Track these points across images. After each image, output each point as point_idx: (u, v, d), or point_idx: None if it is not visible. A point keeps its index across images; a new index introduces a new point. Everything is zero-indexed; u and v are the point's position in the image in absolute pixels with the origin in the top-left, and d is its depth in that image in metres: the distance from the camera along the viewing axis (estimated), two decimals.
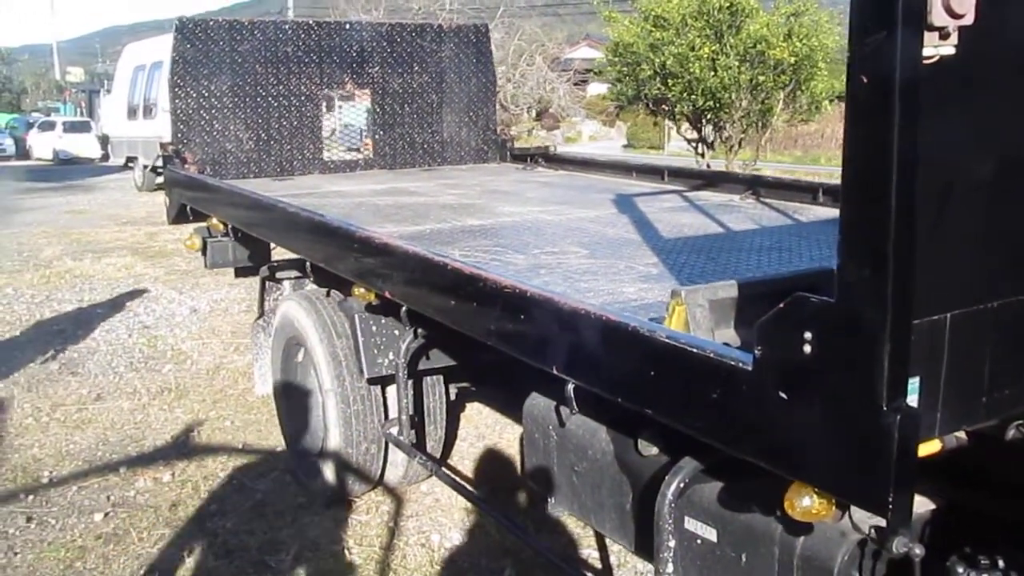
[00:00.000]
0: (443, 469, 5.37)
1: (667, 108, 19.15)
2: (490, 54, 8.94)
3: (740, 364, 2.42)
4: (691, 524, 3.07)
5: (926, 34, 2.01)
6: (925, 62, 2.02)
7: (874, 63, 1.97)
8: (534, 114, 30.28)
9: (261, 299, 7.19)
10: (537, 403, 4.01)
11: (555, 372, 3.16)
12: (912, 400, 2.21)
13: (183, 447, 7.01)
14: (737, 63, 17.44)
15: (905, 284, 2.03)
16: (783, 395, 2.30)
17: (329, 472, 5.74)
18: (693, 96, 17.93)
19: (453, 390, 6.39)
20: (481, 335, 3.61)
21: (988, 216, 2.36)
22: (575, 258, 4.52)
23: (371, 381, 5.33)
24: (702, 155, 19.71)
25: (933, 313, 2.27)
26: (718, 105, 18.10)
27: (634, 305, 3.55)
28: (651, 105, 19.17)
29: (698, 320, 2.98)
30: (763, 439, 2.41)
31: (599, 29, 22.82)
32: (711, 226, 5.50)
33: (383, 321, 5.06)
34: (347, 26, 8.32)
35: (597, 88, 30.12)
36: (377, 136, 8.60)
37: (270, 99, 8.05)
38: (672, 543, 3.07)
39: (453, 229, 5.42)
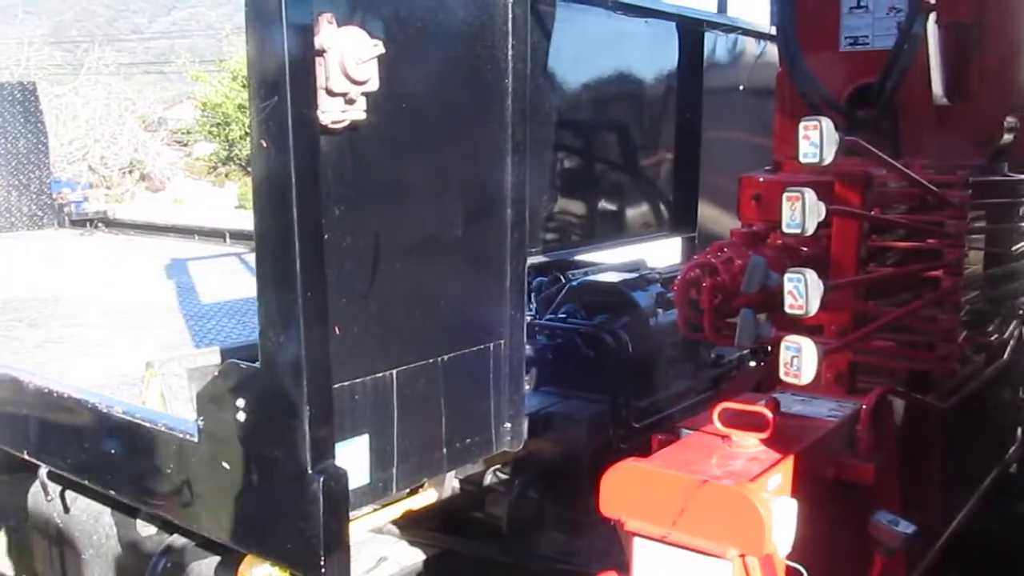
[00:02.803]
0: None
1: None
2: (39, 113, 8.34)
3: (188, 436, 2.34)
4: None
5: (328, 99, 2.06)
6: (332, 126, 2.07)
7: (270, 128, 1.98)
8: (137, 176, 28.87)
9: None
10: (39, 491, 3.69)
11: (26, 457, 2.92)
12: (357, 460, 2.23)
13: None
14: None
15: (321, 347, 2.05)
16: (226, 465, 2.25)
17: None
18: None
19: None
20: None
21: (426, 274, 2.43)
22: (97, 330, 4.25)
23: None
24: None
25: (375, 371, 2.30)
26: None
27: (136, 378, 3.36)
28: (245, 165, 18.92)
29: (175, 391, 2.87)
30: (214, 512, 2.34)
31: (202, 88, 22.26)
32: None
33: None
34: None
35: (205, 148, 29.36)
36: None
37: None
38: None
39: None
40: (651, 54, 3.89)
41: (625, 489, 1.91)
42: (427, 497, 2.94)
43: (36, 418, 2.86)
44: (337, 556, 2.13)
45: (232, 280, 5.68)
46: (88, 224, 8.38)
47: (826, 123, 2.09)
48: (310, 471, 2.06)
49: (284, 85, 1.95)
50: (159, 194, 30.88)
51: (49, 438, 2.85)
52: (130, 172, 27.69)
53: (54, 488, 3.45)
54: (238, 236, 7.30)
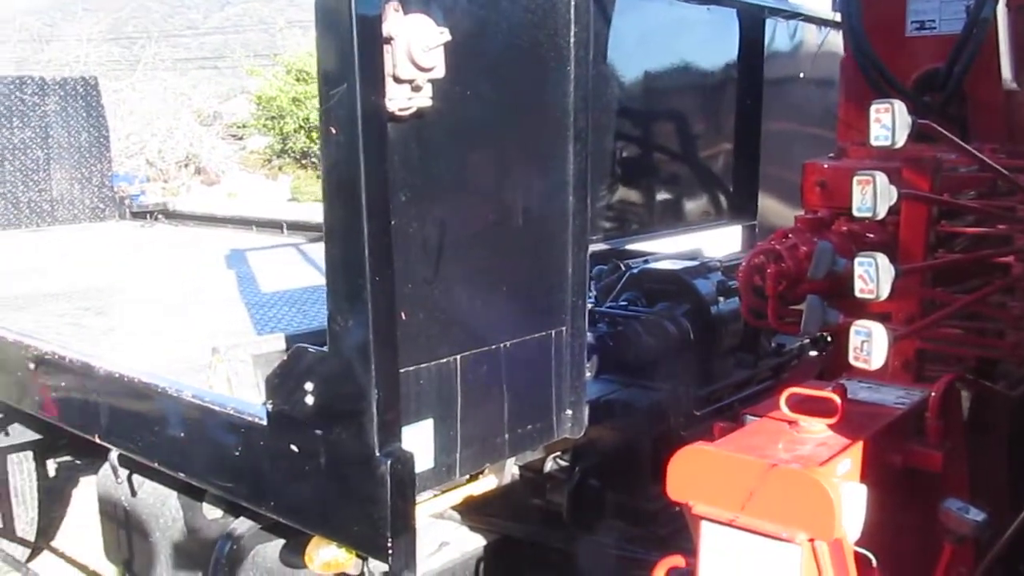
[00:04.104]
0: (37, 554, 4.94)
1: (315, 161, 19.16)
2: (101, 108, 8.49)
3: (256, 419, 2.38)
4: None
5: (396, 86, 2.07)
6: (399, 113, 2.09)
7: (339, 115, 2.01)
8: (192, 170, 29.28)
9: None
10: (109, 473, 3.77)
11: (97, 440, 2.99)
12: (422, 444, 2.25)
13: None
14: None
15: (389, 332, 2.07)
16: (295, 448, 2.28)
17: None
18: None
19: (52, 465, 5.94)
20: (29, 406, 3.37)
21: (490, 261, 2.45)
22: (160, 318, 4.35)
23: None
24: None
25: (440, 357, 2.31)
26: None
27: (201, 363, 3.42)
28: (299, 158, 19.12)
29: (241, 376, 2.92)
30: (282, 494, 2.38)
31: (255, 82, 22.52)
32: (317, 278, 5.47)
33: None
34: None
35: (259, 142, 29.72)
36: None
37: None
38: None
39: (36, 294, 5.04)
40: (711, 41, 3.87)
41: (693, 473, 1.91)
42: (487, 483, 2.96)
43: (107, 402, 2.93)
44: (404, 538, 2.15)
45: (290, 269, 5.76)
46: (148, 216, 8.53)
47: (898, 106, 2.07)
48: (378, 454, 2.09)
49: (353, 73, 1.97)
50: (214, 187, 31.33)
51: (119, 422, 2.91)
52: (186, 166, 28.11)
53: (123, 472, 3.54)
54: (295, 227, 7.40)
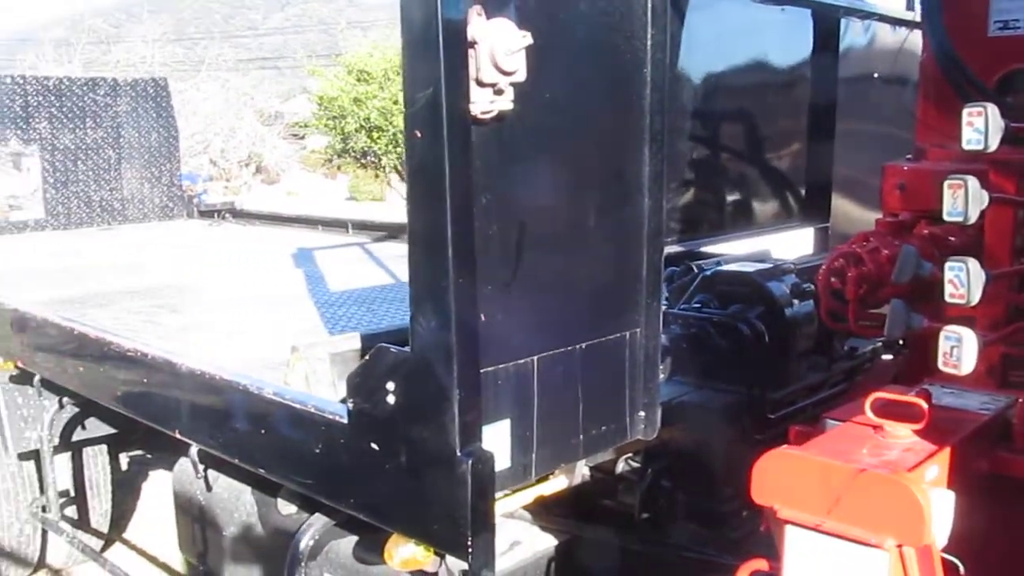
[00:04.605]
0: (110, 545, 5.05)
1: (376, 161, 19.33)
2: (170, 108, 8.66)
3: (337, 418, 2.42)
4: None
5: (479, 90, 2.10)
6: (481, 117, 2.11)
7: (424, 119, 2.03)
8: (253, 168, 29.69)
9: None
10: (186, 468, 3.85)
11: (177, 436, 3.05)
12: (500, 444, 2.27)
13: None
14: None
15: (471, 333, 2.09)
16: (375, 446, 2.31)
17: None
18: (400, 149, 18.18)
19: (125, 459, 6.08)
20: (111, 401, 3.45)
21: (567, 262, 2.46)
22: (233, 315, 4.42)
23: (21, 457, 4.94)
24: None
25: (517, 357, 2.33)
26: None
27: (276, 361, 3.48)
28: (360, 158, 19.30)
29: (319, 374, 2.96)
30: (361, 491, 2.41)
31: (316, 82, 22.77)
32: (383, 277, 5.54)
33: (30, 392, 4.72)
34: (7, 80, 7.79)
35: (318, 141, 30.05)
36: (49, 195, 8.10)
37: None
38: None
39: (113, 291, 5.15)
40: (785, 42, 3.84)
41: (778, 477, 1.91)
42: (558, 483, 2.97)
43: (188, 399, 2.99)
44: (483, 537, 2.17)
45: (356, 268, 5.83)
46: (216, 215, 8.67)
47: (991, 109, 2.04)
48: (459, 453, 2.11)
49: (439, 77, 1.99)
50: (274, 186, 31.78)
51: (200, 418, 2.97)
52: (247, 165, 28.52)
53: (200, 467, 3.61)
54: (359, 226, 7.48)
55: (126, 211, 8.47)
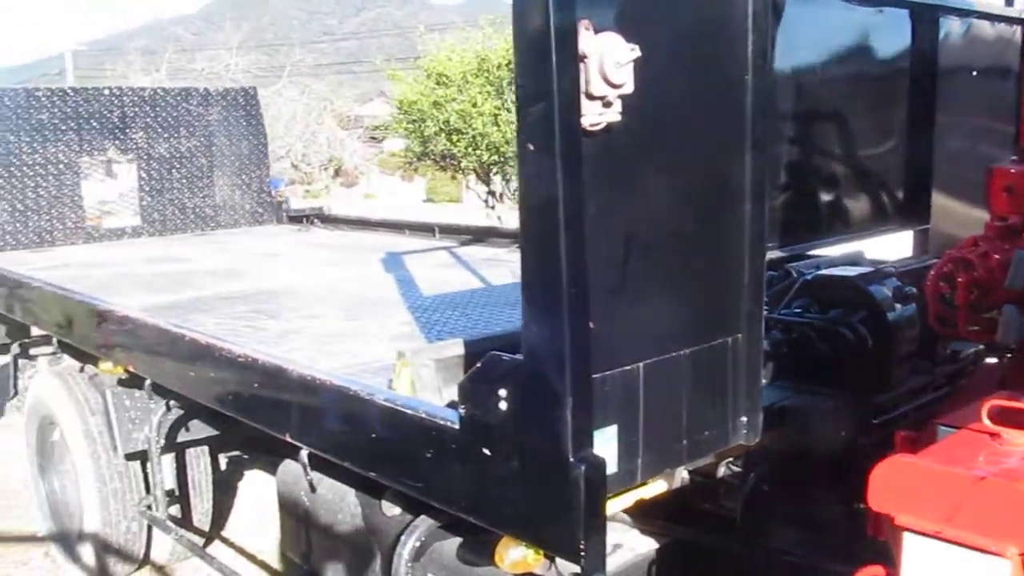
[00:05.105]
0: (210, 543, 5.21)
1: (455, 163, 19.49)
2: (260, 116, 8.87)
3: (448, 423, 2.49)
4: None
5: (588, 103, 2.14)
6: (591, 129, 2.16)
7: (537, 131, 2.09)
8: (331, 172, 30.15)
9: (15, 378, 6.81)
10: (290, 469, 3.96)
11: (288, 439, 3.15)
12: (607, 449, 2.31)
13: None
14: None
15: (582, 340, 2.14)
16: (486, 452, 2.37)
17: (89, 554, 5.47)
18: (478, 151, 18.33)
19: (224, 460, 6.25)
20: (219, 405, 3.57)
21: (671, 270, 2.49)
22: (330, 321, 4.52)
23: (128, 457, 5.13)
24: (492, 207, 20.13)
25: (624, 364, 2.37)
26: (503, 159, 18.56)
27: (377, 366, 3.56)
28: (439, 160, 19.49)
29: (424, 380, 3.03)
30: (472, 495, 2.48)
31: (393, 85, 23.06)
32: (473, 281, 5.61)
33: (137, 395, 4.90)
34: (106, 92, 8.06)
35: (395, 144, 30.42)
36: (145, 202, 8.36)
37: (25, 168, 7.70)
38: None
39: (212, 296, 5.31)
40: (882, 42, 3.80)
41: (897, 484, 1.91)
42: (657, 487, 2.99)
43: (299, 404, 3.08)
44: (595, 540, 2.22)
45: (446, 273, 5.91)
46: (304, 220, 8.85)
47: None
48: (571, 459, 2.16)
49: (551, 91, 2.04)
50: (352, 189, 32.27)
51: (311, 422, 3.06)
52: (326, 168, 28.99)
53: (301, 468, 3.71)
54: (446, 230, 7.56)
55: (218, 217, 8.69)
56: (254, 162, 8.82)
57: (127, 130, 8.13)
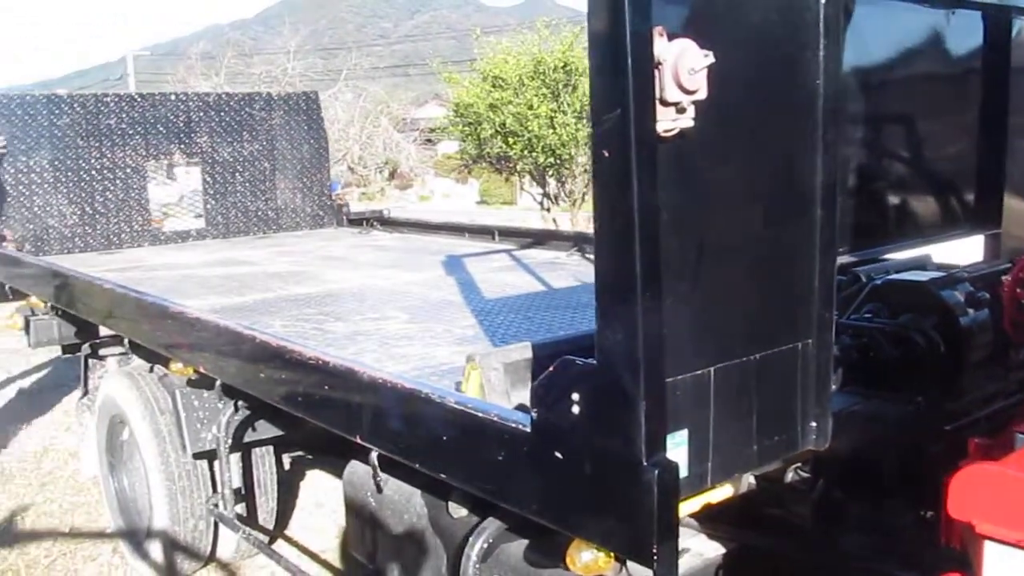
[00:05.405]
0: (273, 542, 5.29)
1: (510, 165, 19.55)
2: (321, 120, 9.00)
3: (520, 426, 2.51)
4: None
5: (662, 109, 2.16)
6: (664, 135, 2.17)
7: (612, 138, 2.10)
8: (386, 174, 30.39)
9: (85, 377, 6.98)
10: (356, 470, 4.01)
11: (359, 441, 3.20)
12: (678, 453, 2.32)
13: (4, 535, 6.67)
14: (574, 120, 17.99)
15: (656, 345, 2.15)
16: (559, 455, 2.39)
17: (157, 551, 5.58)
18: (534, 153, 18.38)
19: (287, 460, 6.34)
20: (290, 406, 3.63)
21: (742, 274, 2.50)
22: (395, 323, 4.58)
23: (196, 456, 5.22)
24: (548, 209, 20.15)
25: (695, 368, 2.38)
26: (559, 161, 18.59)
27: (444, 369, 3.61)
28: (495, 163, 19.56)
29: (493, 383, 3.06)
30: (544, 498, 2.49)
31: (447, 88, 23.20)
32: (534, 285, 5.64)
33: (205, 395, 4.99)
34: (172, 97, 8.25)
35: (449, 146, 30.59)
36: (209, 205, 8.53)
37: (93, 172, 7.89)
38: None
39: (278, 299, 5.40)
40: (954, 45, 3.76)
41: (978, 492, 1.90)
42: (724, 492, 2.99)
43: (371, 406, 3.12)
44: (668, 544, 2.22)
45: (507, 276, 5.94)
46: (364, 223, 8.95)
47: None
48: (645, 463, 2.17)
49: (628, 98, 2.06)
50: (406, 191, 32.54)
51: (382, 424, 3.10)
52: (381, 171, 29.24)
53: (369, 470, 3.75)
54: (505, 233, 7.60)
55: (280, 220, 8.83)
56: (315, 165, 8.95)
57: (192, 134, 8.30)
